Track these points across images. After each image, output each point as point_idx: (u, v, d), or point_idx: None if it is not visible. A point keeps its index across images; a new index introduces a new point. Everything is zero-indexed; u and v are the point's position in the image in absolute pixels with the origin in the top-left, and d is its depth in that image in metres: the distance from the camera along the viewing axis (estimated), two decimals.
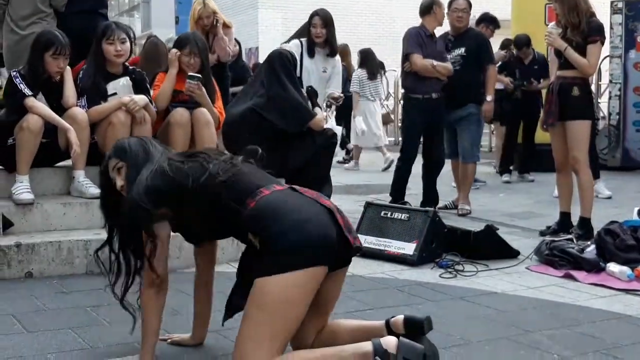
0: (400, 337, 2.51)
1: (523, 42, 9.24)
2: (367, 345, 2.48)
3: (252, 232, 2.60)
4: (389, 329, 2.72)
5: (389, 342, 2.46)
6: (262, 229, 2.56)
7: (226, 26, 7.00)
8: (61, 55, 4.69)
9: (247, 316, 2.55)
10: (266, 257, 2.53)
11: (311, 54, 6.25)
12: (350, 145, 11.54)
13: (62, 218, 4.61)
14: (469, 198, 6.95)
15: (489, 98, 6.83)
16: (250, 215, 2.58)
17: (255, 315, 2.51)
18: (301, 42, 6.53)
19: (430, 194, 6.85)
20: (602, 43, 5.56)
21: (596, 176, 7.23)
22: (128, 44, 5.00)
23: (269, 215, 2.56)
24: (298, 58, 6.10)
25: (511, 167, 9.64)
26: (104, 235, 4.40)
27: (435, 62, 6.54)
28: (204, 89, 5.13)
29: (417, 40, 6.60)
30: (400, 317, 2.74)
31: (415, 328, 2.69)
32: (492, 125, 11.64)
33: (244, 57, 10.40)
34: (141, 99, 4.88)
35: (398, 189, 6.83)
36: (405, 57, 6.68)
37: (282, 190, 2.69)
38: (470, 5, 6.95)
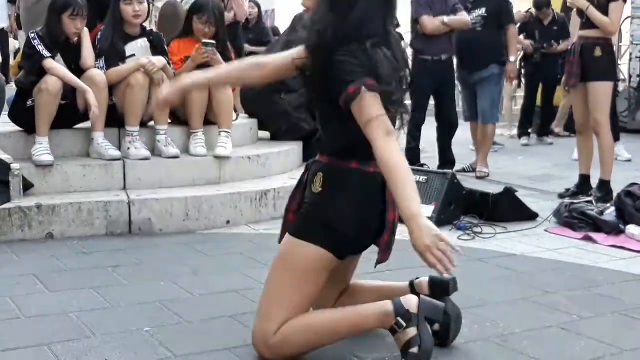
0: (422, 296, 2.50)
1: (543, 2, 9.13)
2: (387, 305, 2.47)
3: (326, 177, 2.50)
4: (413, 290, 2.72)
5: (410, 301, 2.46)
6: (337, 190, 2.48)
7: None
8: (79, 17, 4.68)
9: (273, 277, 2.54)
10: (313, 217, 2.50)
11: None
12: None
13: (81, 179, 4.64)
14: (487, 161, 6.92)
15: (512, 59, 6.81)
16: (349, 168, 2.47)
17: (281, 277, 2.50)
18: None
19: (446, 156, 6.83)
20: (625, 1, 5.48)
21: (616, 139, 7.17)
22: (146, 4, 4.98)
23: (354, 188, 2.47)
24: None
25: (529, 130, 9.58)
26: (123, 196, 4.48)
27: (446, 19, 6.45)
28: (219, 55, 5.09)
29: (426, 1, 6.53)
30: (425, 279, 2.75)
31: (441, 289, 2.69)
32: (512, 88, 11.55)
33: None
34: (159, 60, 4.86)
35: (412, 151, 6.82)
36: (416, 21, 6.62)
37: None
38: None
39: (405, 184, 2.27)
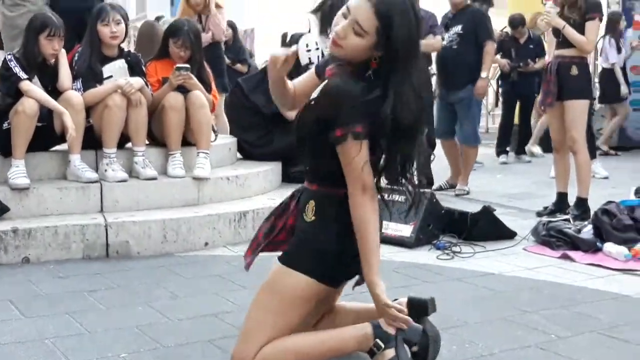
0: None
1: (518, 21, 9.21)
2: (366, 327, 2.48)
3: (318, 205, 2.48)
4: None
5: None
6: (330, 218, 2.47)
7: (218, 6, 6.99)
8: (55, 37, 4.66)
9: (259, 300, 2.53)
10: (305, 247, 2.49)
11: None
12: None
13: (58, 202, 4.60)
14: (468, 179, 6.95)
15: (483, 75, 6.72)
16: (340, 195, 2.43)
17: (267, 302, 2.50)
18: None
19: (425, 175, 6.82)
20: (600, 20, 5.55)
21: (593, 156, 7.22)
22: (123, 25, 4.97)
23: (346, 215, 2.43)
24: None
25: (508, 148, 9.63)
26: (100, 219, 4.44)
27: None
28: (194, 78, 5.09)
29: None
30: (404, 299, 2.74)
31: (419, 310, 2.68)
32: (489, 107, 11.65)
33: (241, 39, 10.42)
34: (137, 81, 4.85)
35: None
36: None
37: None
38: None
39: (368, 250, 2.39)
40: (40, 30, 4.65)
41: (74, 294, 3.63)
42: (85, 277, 3.94)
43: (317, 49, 5.68)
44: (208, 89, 5.26)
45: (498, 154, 9.58)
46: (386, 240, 4.77)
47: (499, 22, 9.53)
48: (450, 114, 6.90)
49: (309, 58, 5.86)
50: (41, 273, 4.03)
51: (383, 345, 2.44)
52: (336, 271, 2.50)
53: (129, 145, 5.02)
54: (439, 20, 6.92)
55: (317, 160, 2.54)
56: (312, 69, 2.70)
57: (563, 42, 5.46)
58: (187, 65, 5.05)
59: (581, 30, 5.36)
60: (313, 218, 2.50)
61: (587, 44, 5.43)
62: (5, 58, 4.71)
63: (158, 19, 9.65)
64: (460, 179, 6.94)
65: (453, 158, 7.05)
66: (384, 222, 4.84)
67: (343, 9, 2.39)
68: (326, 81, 2.49)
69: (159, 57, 5.35)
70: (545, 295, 3.70)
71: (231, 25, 9.53)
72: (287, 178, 5.90)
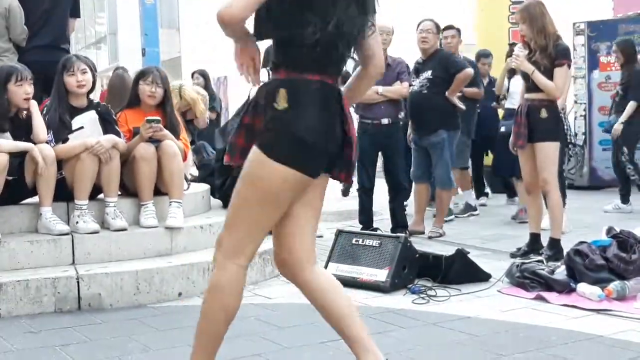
0: None
1: (482, 54, 9.20)
2: None
3: (289, 92, 2.44)
4: None
5: None
6: (303, 103, 2.44)
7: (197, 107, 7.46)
8: (24, 81, 4.67)
9: (239, 191, 2.53)
10: (281, 136, 2.44)
11: None
12: None
13: (29, 256, 4.54)
14: (442, 222, 6.97)
15: (448, 95, 6.68)
16: (310, 79, 2.47)
17: (246, 192, 2.51)
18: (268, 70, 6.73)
19: (398, 219, 6.84)
20: (569, 66, 5.63)
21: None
22: (90, 74, 4.97)
23: (318, 99, 2.46)
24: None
25: (486, 190, 9.62)
26: (72, 272, 4.39)
27: (380, 89, 6.53)
28: (165, 130, 5.09)
29: None
30: None
31: None
32: None
33: (213, 87, 10.50)
34: (108, 141, 4.81)
35: (364, 216, 6.85)
36: None
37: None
38: (437, 27, 6.90)
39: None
40: (7, 80, 4.65)
41: (45, 349, 3.58)
42: (57, 331, 3.88)
43: None
44: (177, 135, 5.26)
45: (477, 196, 9.55)
46: (362, 285, 4.77)
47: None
48: (426, 157, 6.92)
49: None
50: (12, 328, 3.96)
51: None
52: (316, 155, 2.47)
53: (101, 196, 4.99)
54: (412, 67, 6.99)
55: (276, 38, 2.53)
56: None
57: (532, 85, 5.53)
58: (158, 118, 5.05)
59: (550, 75, 5.44)
60: (286, 105, 2.43)
61: (556, 90, 5.49)
62: None
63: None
64: (435, 221, 6.96)
65: (420, 204, 7.05)
66: (358, 267, 4.94)
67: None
68: None
69: (129, 106, 5.36)
70: (521, 337, 3.70)
71: (202, 74, 9.62)
72: None
